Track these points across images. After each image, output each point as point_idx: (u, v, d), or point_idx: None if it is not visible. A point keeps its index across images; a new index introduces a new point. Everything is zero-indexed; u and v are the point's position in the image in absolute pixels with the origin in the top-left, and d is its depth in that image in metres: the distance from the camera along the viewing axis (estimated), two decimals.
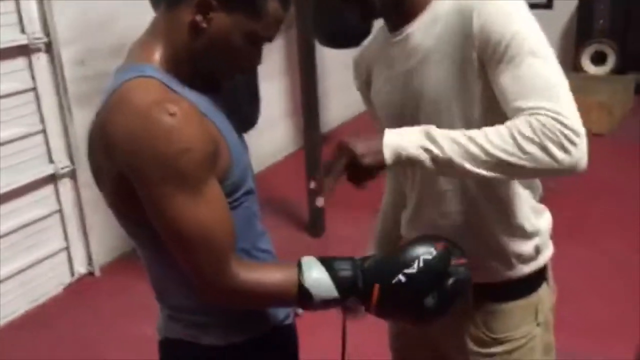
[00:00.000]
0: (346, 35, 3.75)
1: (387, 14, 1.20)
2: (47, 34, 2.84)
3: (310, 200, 3.45)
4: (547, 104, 1.00)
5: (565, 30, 5.66)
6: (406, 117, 1.22)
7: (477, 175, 1.03)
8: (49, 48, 2.87)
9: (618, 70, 5.31)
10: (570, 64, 5.43)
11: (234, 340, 1.12)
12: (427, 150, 1.03)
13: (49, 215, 3.04)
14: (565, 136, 0.98)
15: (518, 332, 1.26)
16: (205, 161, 0.97)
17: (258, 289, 1.02)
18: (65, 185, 3.08)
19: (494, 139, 1.00)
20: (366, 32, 3.90)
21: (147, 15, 2.31)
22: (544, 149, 0.98)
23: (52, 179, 3.03)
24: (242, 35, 1.03)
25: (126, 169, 0.96)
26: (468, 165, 1.01)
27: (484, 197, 1.20)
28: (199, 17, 1.01)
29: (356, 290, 1.02)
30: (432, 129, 1.04)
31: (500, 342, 1.26)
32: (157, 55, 1.03)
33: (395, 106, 1.25)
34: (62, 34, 2.90)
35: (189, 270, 1.01)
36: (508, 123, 1.02)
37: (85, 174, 3.04)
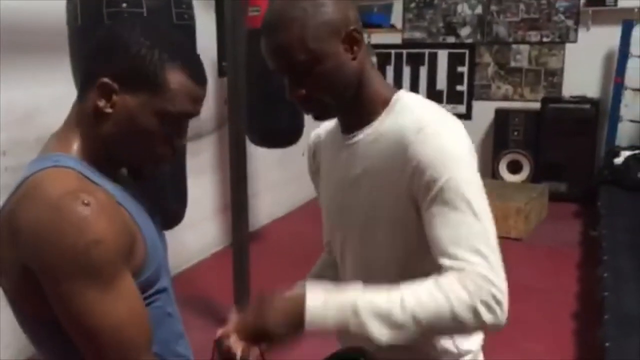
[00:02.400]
0: (279, 135, 3.85)
1: (341, 115, 1.21)
2: None
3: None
4: (479, 260, 1.01)
5: (483, 140, 6.01)
6: (337, 228, 1.23)
7: (414, 337, 1.02)
8: None
9: (532, 178, 5.64)
10: (489, 172, 5.73)
11: None
12: (350, 327, 1.01)
13: None
14: (494, 297, 1.00)
15: None
16: (119, 254, 0.92)
17: None
18: None
19: (427, 307, 1.00)
20: (298, 133, 4.03)
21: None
22: (475, 312, 1.00)
23: None
24: (150, 115, 0.98)
25: (31, 263, 0.90)
26: (393, 333, 1.01)
27: None
28: (101, 103, 0.98)
29: None
30: (358, 307, 1.00)
31: None
32: (74, 145, 1.00)
33: (334, 212, 1.26)
34: None
35: None
36: (444, 284, 1.00)
37: None
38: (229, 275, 3.42)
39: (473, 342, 1.26)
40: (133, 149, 1.01)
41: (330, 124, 1.32)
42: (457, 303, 0.99)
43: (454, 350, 1.22)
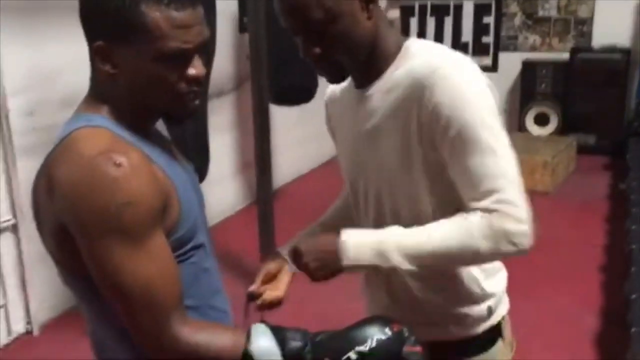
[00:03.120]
0: (293, 93, 3.83)
1: (354, 72, 1.21)
2: None
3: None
4: (498, 197, 1.06)
5: (510, 92, 5.90)
6: (358, 182, 1.24)
7: (438, 265, 1.14)
8: None
9: (560, 131, 5.54)
10: (516, 125, 5.64)
11: None
12: (380, 266, 1.10)
13: None
14: (514, 233, 1.05)
15: None
16: (150, 215, 0.93)
17: (201, 352, 0.97)
18: (7, 240, 2.96)
19: (451, 241, 1.08)
20: (312, 91, 4.00)
21: None
22: (497, 250, 1.07)
23: None
24: (151, 61, 0.96)
25: (67, 220, 0.93)
26: (422, 264, 1.10)
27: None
28: (105, 66, 0.98)
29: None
30: (386, 240, 1.10)
31: None
32: (103, 107, 1.01)
33: (355, 166, 1.27)
34: (11, 84, 2.85)
35: (129, 327, 0.96)
36: (465, 223, 1.07)
37: (27, 229, 2.93)
38: (254, 231, 3.46)
39: (498, 284, 1.28)
40: (153, 97, 1.00)
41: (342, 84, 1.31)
42: (479, 235, 1.06)
43: (479, 292, 1.24)
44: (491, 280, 1.26)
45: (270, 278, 1.31)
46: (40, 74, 3.02)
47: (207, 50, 1.07)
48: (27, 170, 2.89)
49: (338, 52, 1.12)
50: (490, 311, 1.26)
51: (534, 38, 5.87)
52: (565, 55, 5.55)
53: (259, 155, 3.39)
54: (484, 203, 1.06)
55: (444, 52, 1.15)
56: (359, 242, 1.10)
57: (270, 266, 1.32)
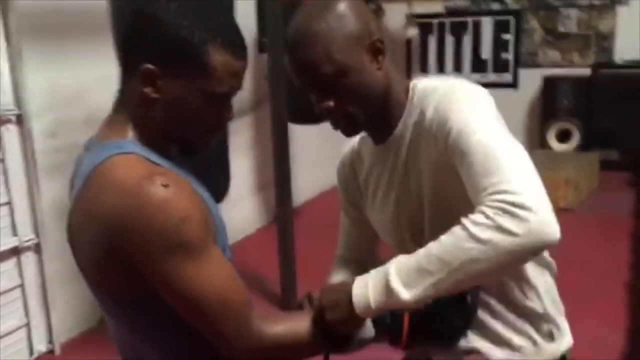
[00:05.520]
0: (311, 111, 3.83)
1: (370, 128, 1.23)
2: (19, 106, 2.84)
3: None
4: (493, 184, 0.96)
5: (530, 109, 5.86)
6: (405, 230, 1.24)
7: (456, 282, 0.96)
8: (19, 119, 2.85)
9: (583, 147, 5.48)
10: (537, 141, 5.59)
11: None
12: (390, 298, 0.98)
13: (10, 289, 2.93)
14: (513, 203, 0.92)
15: None
16: (203, 228, 0.96)
17: (289, 339, 1.02)
18: (29, 259, 2.99)
19: (447, 244, 0.95)
20: None
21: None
22: (499, 227, 0.91)
23: (15, 252, 2.93)
24: (197, 96, 0.99)
25: (121, 249, 0.93)
26: (435, 280, 0.95)
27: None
28: (147, 89, 0.98)
29: (387, 327, 1.03)
30: (390, 275, 0.98)
31: None
32: (129, 131, 1.02)
33: (393, 218, 1.26)
34: (34, 105, 2.90)
35: (213, 337, 0.98)
36: (459, 225, 0.96)
37: (50, 248, 2.95)
38: (274, 250, 3.46)
39: (557, 311, 1.30)
40: (184, 127, 1.03)
41: (355, 144, 1.36)
42: (473, 226, 0.93)
43: (540, 311, 1.25)
44: (550, 304, 1.28)
45: None
46: (62, 95, 3.07)
47: None
48: (49, 190, 2.94)
49: (351, 104, 1.14)
50: (552, 336, 1.27)
51: (554, 54, 5.84)
52: (586, 71, 5.51)
53: (278, 175, 3.40)
54: (481, 200, 0.96)
55: (445, 80, 1.18)
56: (364, 278, 1.03)
57: None
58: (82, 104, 3.08)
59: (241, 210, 4.39)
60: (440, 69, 6.23)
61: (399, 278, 0.97)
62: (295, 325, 1.03)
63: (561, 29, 5.77)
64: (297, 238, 3.47)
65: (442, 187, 1.14)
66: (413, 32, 6.03)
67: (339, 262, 1.44)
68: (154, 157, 1.00)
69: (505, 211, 0.92)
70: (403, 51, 6.86)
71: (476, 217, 0.95)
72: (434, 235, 1.00)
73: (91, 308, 2.86)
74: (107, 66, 2.92)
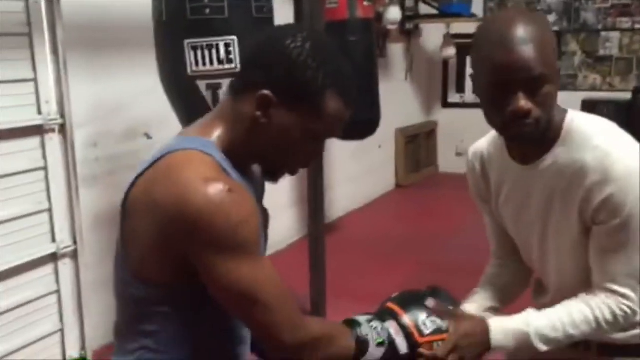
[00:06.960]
0: (356, 127, 3.85)
1: (528, 145, 1.24)
2: (62, 116, 2.92)
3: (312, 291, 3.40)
4: (630, 293, 1.19)
5: None
6: (536, 244, 1.32)
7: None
8: (62, 129, 2.93)
9: None
10: None
11: None
12: (526, 347, 1.24)
13: (47, 295, 2.99)
14: (634, 313, 1.23)
15: None
16: (257, 234, 1.01)
17: (324, 335, 1.09)
18: (66, 266, 3.05)
19: (584, 331, 1.23)
20: (375, 125, 4.01)
21: (160, 102, 2.36)
22: (621, 328, 1.25)
23: (53, 258, 3.00)
24: (302, 132, 1.04)
25: (177, 239, 0.97)
26: (556, 346, 1.26)
27: None
28: (259, 113, 1.03)
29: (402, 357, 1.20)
30: (533, 340, 1.23)
31: None
32: (216, 133, 1.06)
33: (525, 231, 1.33)
34: (77, 116, 2.98)
35: (266, 330, 1.02)
36: (597, 312, 1.22)
37: (86, 256, 3.02)
38: (305, 265, 3.46)
39: None
40: (277, 157, 1.09)
41: (485, 144, 1.38)
42: (606, 325, 1.22)
43: None
44: None
45: None
46: (104, 107, 3.15)
47: None
48: (88, 198, 3.00)
49: (543, 110, 1.15)
50: None
51: (594, 77, 5.76)
52: (627, 95, 5.41)
53: (312, 190, 3.41)
54: (605, 286, 1.21)
55: (611, 133, 1.21)
56: (504, 330, 1.25)
57: None
58: (123, 116, 3.15)
59: (275, 224, 4.40)
60: None
61: (540, 341, 1.23)
62: (324, 322, 1.10)
63: (602, 52, 5.69)
64: (329, 253, 3.47)
65: (575, 232, 1.23)
66: (450, 52, 6.02)
67: (492, 268, 1.51)
68: (227, 166, 1.04)
69: (625, 318, 1.22)
70: (440, 71, 6.84)
71: (607, 315, 1.21)
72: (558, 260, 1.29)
73: None
74: (146, 80, 3.00)
